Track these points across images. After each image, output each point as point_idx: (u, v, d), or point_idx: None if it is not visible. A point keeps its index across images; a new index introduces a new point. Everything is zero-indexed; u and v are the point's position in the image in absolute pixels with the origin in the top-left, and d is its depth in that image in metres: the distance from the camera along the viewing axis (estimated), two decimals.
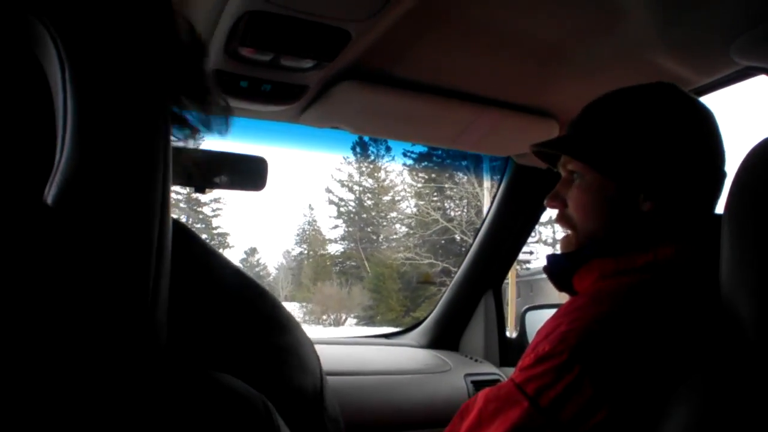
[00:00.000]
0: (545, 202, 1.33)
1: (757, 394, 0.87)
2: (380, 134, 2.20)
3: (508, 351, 2.72)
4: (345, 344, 2.65)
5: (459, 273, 2.78)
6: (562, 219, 1.29)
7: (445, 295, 2.82)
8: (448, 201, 27.31)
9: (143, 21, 0.54)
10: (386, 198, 29.86)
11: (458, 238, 25.22)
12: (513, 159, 2.50)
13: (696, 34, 1.54)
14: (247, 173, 1.84)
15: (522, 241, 2.71)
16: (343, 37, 1.47)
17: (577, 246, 1.26)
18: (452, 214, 26.93)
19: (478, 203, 24.11)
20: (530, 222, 2.65)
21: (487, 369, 2.58)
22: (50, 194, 0.49)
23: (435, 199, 27.16)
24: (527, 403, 1.01)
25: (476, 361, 2.64)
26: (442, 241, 25.91)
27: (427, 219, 26.17)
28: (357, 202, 30.25)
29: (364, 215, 29.92)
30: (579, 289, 1.24)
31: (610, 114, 1.23)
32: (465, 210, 26.07)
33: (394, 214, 29.84)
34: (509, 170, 2.56)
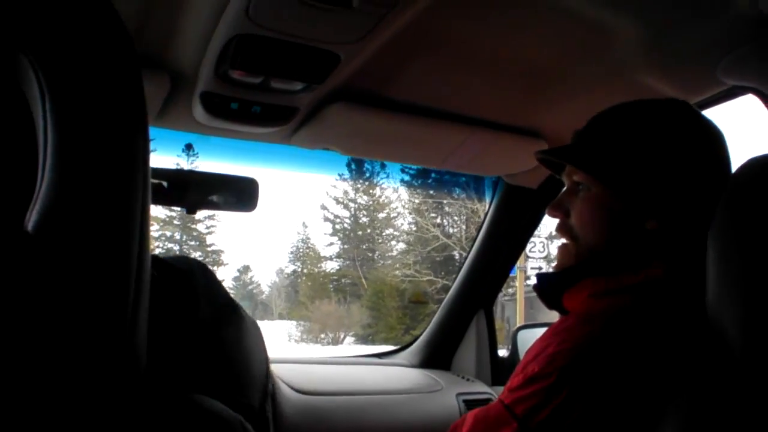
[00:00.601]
0: (547, 211, 1.30)
1: (742, 412, 0.87)
2: (370, 155, 2.21)
3: (500, 370, 2.72)
4: (337, 364, 2.64)
5: (450, 293, 2.77)
6: (563, 229, 1.26)
7: (437, 314, 2.81)
8: (447, 217, 27.07)
9: (115, 52, 0.55)
10: (382, 215, 29.60)
11: (458, 254, 25.03)
12: (503, 179, 2.51)
13: (682, 54, 1.55)
14: (238, 194, 1.84)
15: (513, 261, 2.71)
16: (332, 60, 1.48)
17: (576, 256, 1.23)
18: (451, 230, 26.68)
19: (478, 219, 23.84)
20: (521, 242, 2.66)
21: (479, 388, 2.57)
22: (30, 221, 0.49)
23: (433, 215, 26.90)
24: (516, 424, 1.01)
25: (468, 380, 2.64)
26: (441, 258, 25.64)
27: (427, 235, 25.76)
28: (353, 219, 29.97)
29: (360, 232, 29.63)
30: (569, 308, 1.23)
31: (621, 127, 1.21)
32: (465, 226, 25.83)
33: (391, 231, 29.57)
34: (499, 191, 2.57)
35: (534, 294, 1.32)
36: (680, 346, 1.02)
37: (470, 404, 2.43)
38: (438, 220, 26.94)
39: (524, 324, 2.93)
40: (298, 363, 2.48)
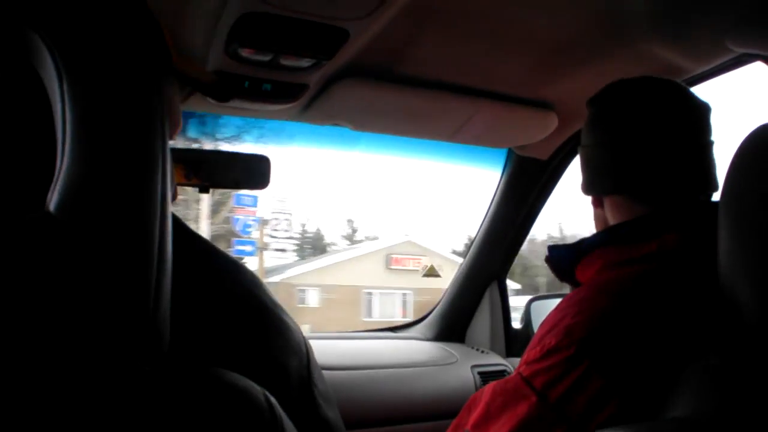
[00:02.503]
0: None
1: (759, 379, 0.88)
2: (380, 130, 2.20)
3: (514, 341, 2.73)
4: (352, 339, 2.67)
5: (463, 265, 2.79)
6: None
7: (450, 287, 2.83)
8: None
9: (132, 29, 0.56)
10: None
11: None
12: (513, 151, 2.51)
13: (691, 23, 1.55)
14: (250, 172, 1.85)
15: (525, 232, 2.71)
16: (341, 36, 1.48)
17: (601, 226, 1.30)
18: None
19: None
20: (532, 213, 2.66)
21: (494, 360, 2.60)
22: (52, 201, 0.50)
23: None
24: (535, 397, 1.00)
25: (482, 352, 2.66)
26: None
27: None
28: None
29: None
30: (581, 280, 1.23)
31: (594, 133, 1.27)
32: None
33: None
34: (510, 162, 2.57)
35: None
36: (696, 314, 1.02)
37: (485, 376, 2.46)
38: None
39: (537, 295, 2.93)
40: (313, 339, 2.50)
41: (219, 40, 1.48)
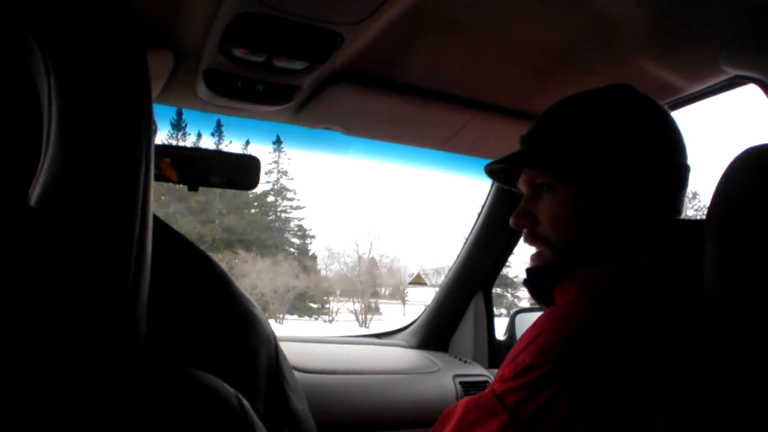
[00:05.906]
0: (511, 221, 1.26)
1: (739, 401, 0.88)
2: (372, 136, 2.21)
3: (497, 353, 2.74)
4: (335, 343, 2.66)
5: (449, 274, 2.79)
6: (533, 237, 1.24)
7: (435, 296, 2.83)
8: None
9: (118, 28, 0.56)
10: None
11: None
12: None
13: (686, 42, 1.56)
14: (240, 172, 1.85)
15: (513, 244, 2.72)
16: (335, 40, 1.48)
17: (553, 260, 1.21)
18: None
19: None
20: None
21: (476, 370, 2.59)
22: (34, 195, 0.50)
23: None
24: (507, 415, 0.99)
25: (465, 362, 2.66)
26: None
27: None
28: None
29: None
30: (560, 301, 1.21)
31: (572, 122, 1.19)
32: None
33: None
34: None
35: None
36: (675, 333, 1.01)
37: (466, 386, 2.45)
38: None
39: (522, 308, 2.94)
40: (296, 341, 2.50)
41: (213, 39, 1.48)
